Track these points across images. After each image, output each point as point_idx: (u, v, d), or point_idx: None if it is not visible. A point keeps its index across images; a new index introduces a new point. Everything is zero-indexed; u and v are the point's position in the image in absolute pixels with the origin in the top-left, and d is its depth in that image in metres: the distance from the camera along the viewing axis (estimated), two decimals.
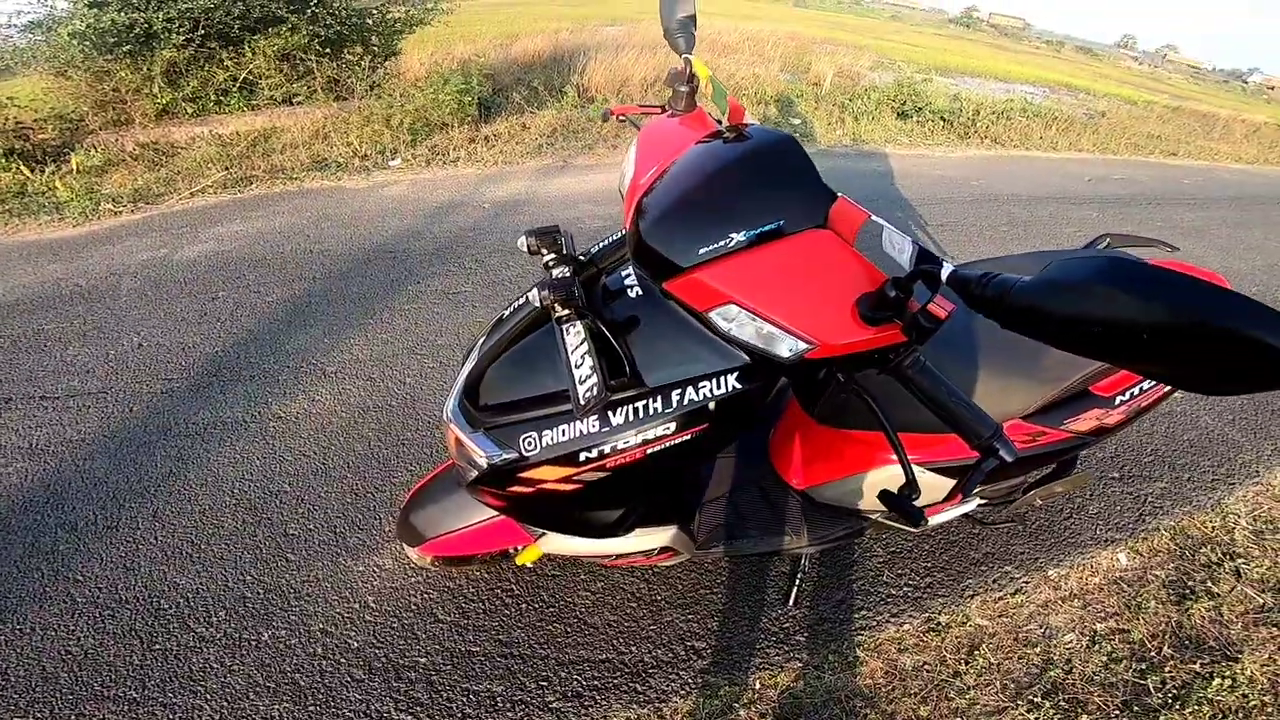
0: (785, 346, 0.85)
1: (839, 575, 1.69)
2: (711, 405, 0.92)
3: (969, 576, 1.72)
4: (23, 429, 2.00)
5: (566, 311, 0.88)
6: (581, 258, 1.15)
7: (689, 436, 0.94)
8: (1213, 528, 1.96)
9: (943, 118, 6.83)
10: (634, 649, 1.48)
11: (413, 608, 1.53)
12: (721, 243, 0.87)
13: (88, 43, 4.91)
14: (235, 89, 5.44)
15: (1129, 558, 1.84)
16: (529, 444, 0.95)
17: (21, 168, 4.31)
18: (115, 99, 5.35)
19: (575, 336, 0.89)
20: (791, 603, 1.59)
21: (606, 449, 0.94)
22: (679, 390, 0.92)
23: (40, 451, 1.93)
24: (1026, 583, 1.73)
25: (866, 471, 1.32)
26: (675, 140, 1.17)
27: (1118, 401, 1.35)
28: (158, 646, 1.44)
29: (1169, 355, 0.52)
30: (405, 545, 1.46)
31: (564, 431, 0.94)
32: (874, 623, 1.59)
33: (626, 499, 1.12)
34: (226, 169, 4.29)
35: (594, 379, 0.86)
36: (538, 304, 0.88)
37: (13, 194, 4.16)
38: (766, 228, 0.87)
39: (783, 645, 1.52)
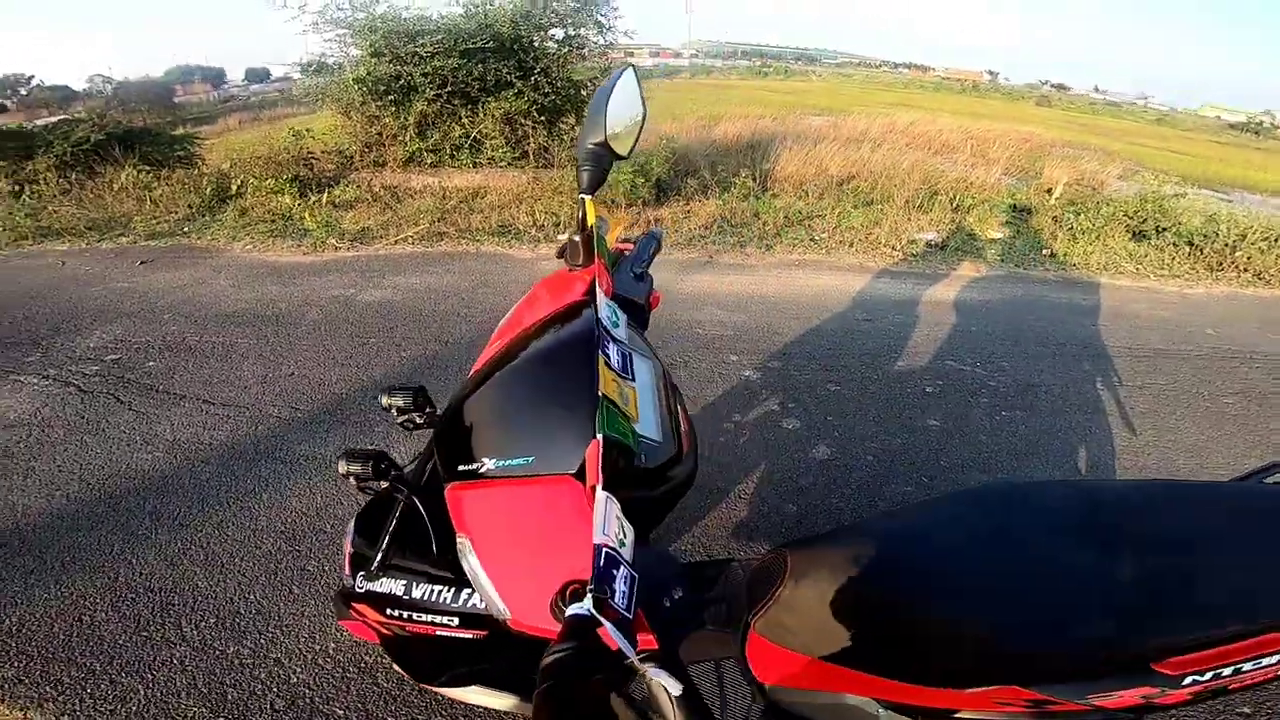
0: (497, 607, 0.74)
1: None
2: (486, 617, 0.84)
3: None
4: (178, 425, 2.44)
5: (366, 483, 0.87)
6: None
7: (469, 636, 0.90)
8: None
9: (1190, 241, 5.60)
10: None
11: (361, 665, 1.55)
12: (474, 465, 0.78)
13: (364, 88, 6.01)
14: (466, 145, 6.32)
15: None
16: (360, 580, 0.97)
17: (286, 195, 5.40)
18: (378, 142, 6.53)
19: (394, 503, 0.92)
20: None
21: (403, 614, 0.93)
22: (468, 589, 0.87)
23: (177, 446, 2.32)
24: None
25: (839, 693, 1.05)
26: (544, 303, 1.05)
27: (1187, 680, 0.91)
28: (143, 634, 1.62)
29: None
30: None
31: (380, 583, 0.95)
32: None
33: (443, 660, 1.02)
34: (432, 222, 4.97)
35: (381, 549, 0.90)
36: (341, 471, 0.87)
37: (281, 216, 5.23)
38: (514, 462, 0.77)
39: None
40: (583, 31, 6.45)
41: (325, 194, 5.61)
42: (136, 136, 7.41)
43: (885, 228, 5.12)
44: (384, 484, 0.88)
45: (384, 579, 0.94)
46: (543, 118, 6.19)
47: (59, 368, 2.95)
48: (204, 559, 1.86)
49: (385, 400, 1.03)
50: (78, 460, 2.26)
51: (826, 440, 2.38)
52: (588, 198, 0.98)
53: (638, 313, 1.12)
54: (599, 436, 0.67)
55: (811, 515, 2.03)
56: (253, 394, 2.66)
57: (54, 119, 8.44)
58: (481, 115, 6.16)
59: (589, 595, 0.50)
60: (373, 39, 5.81)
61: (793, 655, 0.94)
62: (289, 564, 1.86)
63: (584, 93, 6.45)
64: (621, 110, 0.96)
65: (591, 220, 1.02)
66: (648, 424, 0.82)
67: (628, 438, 0.72)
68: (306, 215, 4.99)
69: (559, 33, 6.49)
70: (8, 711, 1.46)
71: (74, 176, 6.87)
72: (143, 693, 1.48)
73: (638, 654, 0.51)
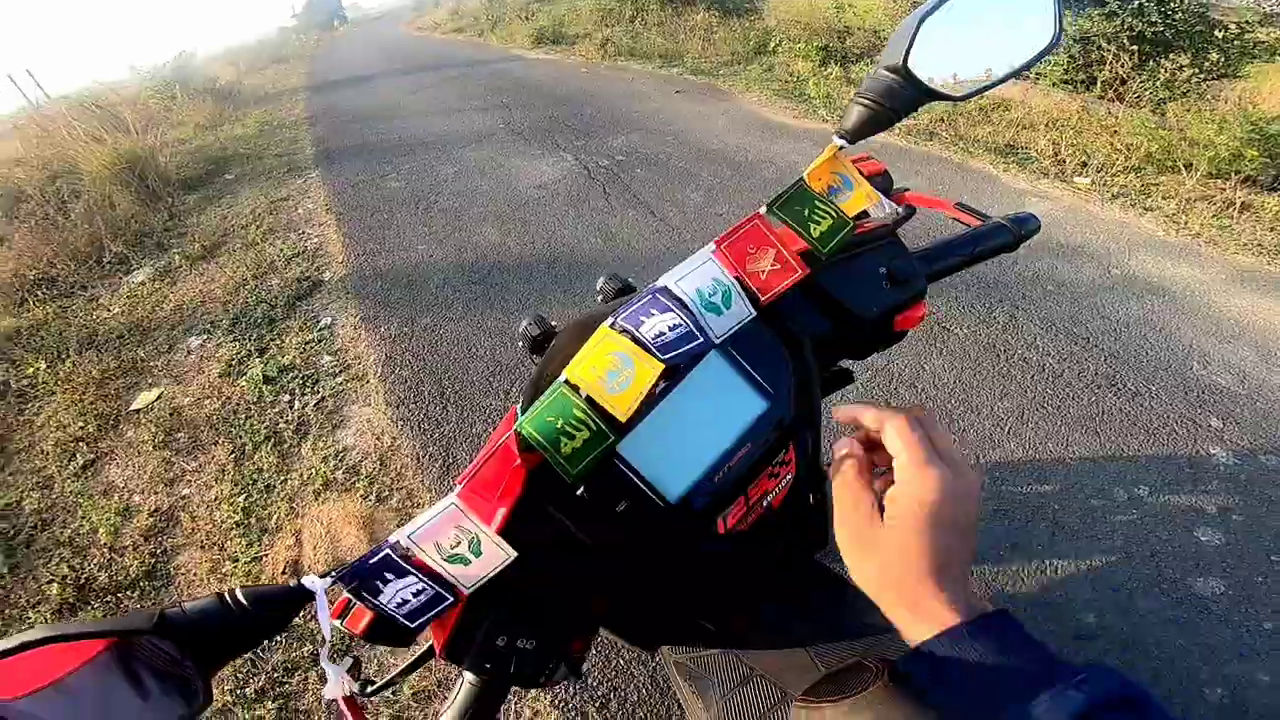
0: None
1: None
2: None
3: None
4: (623, 223, 2.92)
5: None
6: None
7: None
8: None
9: None
10: None
11: None
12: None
13: None
14: None
15: None
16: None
17: (806, 60, 5.46)
18: None
19: None
20: None
21: None
22: None
23: (612, 237, 2.83)
24: None
25: None
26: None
27: None
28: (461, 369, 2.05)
29: None
30: None
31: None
32: None
33: None
34: (932, 120, 4.41)
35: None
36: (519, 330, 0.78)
37: (795, 79, 5.40)
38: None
39: None
40: None
41: (842, 68, 5.50)
42: None
43: None
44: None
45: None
46: (1134, 47, 4.73)
47: (588, 155, 3.80)
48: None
49: (607, 288, 0.86)
50: (558, 224, 2.95)
51: (1230, 571, 1.43)
52: (840, 142, 0.54)
53: (857, 333, 0.62)
54: (516, 429, 0.44)
55: (1110, 639, 1.31)
56: (686, 218, 2.95)
57: None
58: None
59: (329, 575, 0.39)
60: None
61: None
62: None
63: (1218, 34, 4.73)
64: (991, 24, 0.52)
65: (819, 166, 0.55)
66: (653, 452, 0.50)
67: (560, 454, 0.44)
68: (813, 83, 5.00)
69: None
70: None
71: (667, 12, 8.32)
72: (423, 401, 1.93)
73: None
